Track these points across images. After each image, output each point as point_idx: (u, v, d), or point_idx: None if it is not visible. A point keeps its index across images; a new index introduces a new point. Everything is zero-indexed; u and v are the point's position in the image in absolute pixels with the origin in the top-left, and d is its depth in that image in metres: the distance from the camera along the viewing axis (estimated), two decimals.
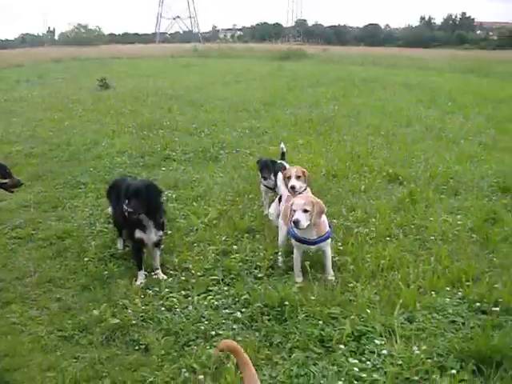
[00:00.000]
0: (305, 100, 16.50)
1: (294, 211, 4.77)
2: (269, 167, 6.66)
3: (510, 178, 7.95)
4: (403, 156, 9.51)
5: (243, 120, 13.15)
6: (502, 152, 9.95)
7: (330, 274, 5.05)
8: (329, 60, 36.78)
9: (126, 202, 4.87)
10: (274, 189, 6.68)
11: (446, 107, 15.45)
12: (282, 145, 7.43)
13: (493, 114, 14.33)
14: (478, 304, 4.49)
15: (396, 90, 19.24)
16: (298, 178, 5.62)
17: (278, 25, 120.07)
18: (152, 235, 5.12)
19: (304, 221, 4.73)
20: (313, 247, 5.05)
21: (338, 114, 13.98)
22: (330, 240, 5.12)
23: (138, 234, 5.09)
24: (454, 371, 3.60)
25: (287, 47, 45.70)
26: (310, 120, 13.08)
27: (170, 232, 6.18)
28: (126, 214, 4.89)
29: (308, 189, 5.99)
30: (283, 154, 7.33)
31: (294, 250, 5.12)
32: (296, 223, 4.73)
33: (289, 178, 5.63)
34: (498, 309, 4.37)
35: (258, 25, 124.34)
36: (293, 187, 5.53)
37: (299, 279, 5.01)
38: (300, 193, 5.56)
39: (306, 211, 4.75)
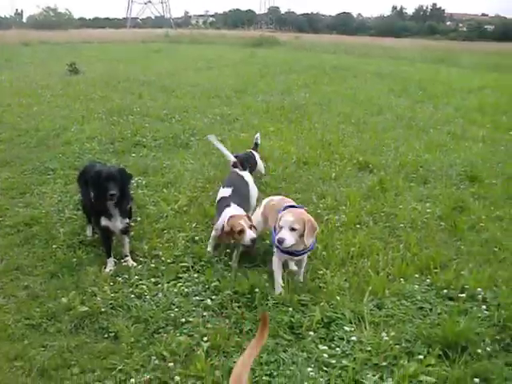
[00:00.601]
0: (276, 87, 16.48)
1: (281, 228, 4.36)
2: (244, 165, 6.49)
3: (477, 167, 8.12)
4: (374, 144, 9.61)
5: (215, 106, 13.08)
6: (469, 141, 10.10)
7: (301, 277, 4.78)
8: (301, 47, 36.77)
9: (107, 187, 4.84)
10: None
11: (417, 96, 15.62)
12: (257, 135, 7.39)
13: (461, 103, 14.55)
14: (445, 291, 4.60)
15: (367, 79, 19.36)
16: (251, 227, 4.82)
17: (250, 12, 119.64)
18: (118, 223, 5.07)
19: (289, 240, 4.30)
20: (296, 258, 4.69)
21: (310, 102, 14.01)
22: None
23: (104, 221, 5.05)
24: (421, 356, 3.68)
25: (260, 34, 45.44)
26: (281, 107, 13.08)
27: (139, 219, 6.14)
28: (109, 197, 4.86)
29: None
30: (256, 144, 7.30)
31: (275, 258, 4.69)
32: (280, 242, 4.33)
33: (241, 231, 4.74)
34: (464, 295, 4.49)
35: (230, 11, 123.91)
36: (253, 240, 4.74)
37: (279, 290, 4.58)
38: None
39: (293, 230, 4.32)
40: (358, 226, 6.01)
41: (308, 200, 6.69)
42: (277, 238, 4.35)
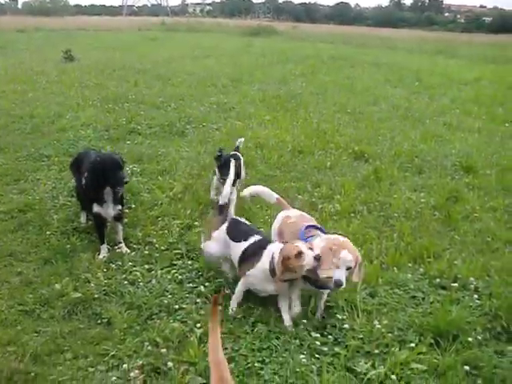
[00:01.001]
0: (273, 76, 16.41)
1: (336, 266, 3.70)
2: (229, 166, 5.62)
3: (472, 157, 8.16)
4: (369, 134, 9.62)
5: (211, 95, 13.04)
6: (465, 132, 10.13)
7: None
8: (298, 37, 36.55)
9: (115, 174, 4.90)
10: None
11: (413, 87, 15.60)
12: (241, 139, 6.91)
13: (458, 95, 14.55)
14: (438, 280, 4.64)
15: (365, 69, 19.28)
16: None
17: (248, 0, 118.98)
18: (110, 210, 5.10)
19: (345, 282, 3.72)
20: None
21: (306, 91, 14.00)
22: None
23: (96, 208, 5.07)
24: (412, 344, 3.72)
25: (257, 23, 45.18)
26: (277, 96, 13.06)
27: (133, 206, 6.15)
28: (122, 185, 4.98)
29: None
30: (238, 148, 6.76)
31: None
32: (338, 285, 3.69)
33: (299, 254, 3.71)
34: (456, 284, 4.54)
35: (227, 0, 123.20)
36: (339, 283, 3.69)
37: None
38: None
39: (349, 269, 3.75)
40: (352, 214, 6.03)
41: (303, 188, 6.71)
42: (335, 279, 3.67)
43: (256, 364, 3.53)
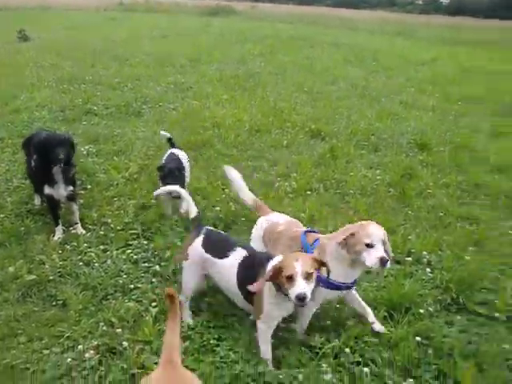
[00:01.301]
0: (232, 56, 16.33)
1: (370, 246, 3.34)
2: (175, 175, 5.29)
3: (426, 135, 8.31)
4: (327, 113, 9.68)
5: (168, 75, 12.92)
6: (420, 110, 10.33)
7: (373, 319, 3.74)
8: (257, 17, 36.40)
9: (55, 152, 4.80)
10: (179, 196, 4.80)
11: (371, 67, 15.74)
12: (163, 132, 6.25)
13: (414, 75, 14.78)
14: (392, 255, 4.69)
15: (324, 49, 19.34)
16: (308, 276, 3.08)
17: None
18: (61, 190, 5.03)
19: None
20: (344, 292, 3.70)
21: (265, 71, 13.99)
22: None
23: (47, 189, 5.01)
24: None
25: (216, 3, 44.72)
26: (235, 76, 13.04)
27: (89, 187, 6.08)
28: (59, 163, 4.86)
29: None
30: (170, 139, 6.14)
31: (306, 310, 3.58)
32: (384, 263, 3.29)
33: (290, 278, 3.06)
34: (410, 259, 4.64)
35: None
36: (302, 298, 2.98)
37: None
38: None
39: (385, 244, 3.42)
40: (308, 192, 6.09)
41: (259, 167, 6.74)
42: (379, 257, 3.30)
43: (212, 341, 3.55)
